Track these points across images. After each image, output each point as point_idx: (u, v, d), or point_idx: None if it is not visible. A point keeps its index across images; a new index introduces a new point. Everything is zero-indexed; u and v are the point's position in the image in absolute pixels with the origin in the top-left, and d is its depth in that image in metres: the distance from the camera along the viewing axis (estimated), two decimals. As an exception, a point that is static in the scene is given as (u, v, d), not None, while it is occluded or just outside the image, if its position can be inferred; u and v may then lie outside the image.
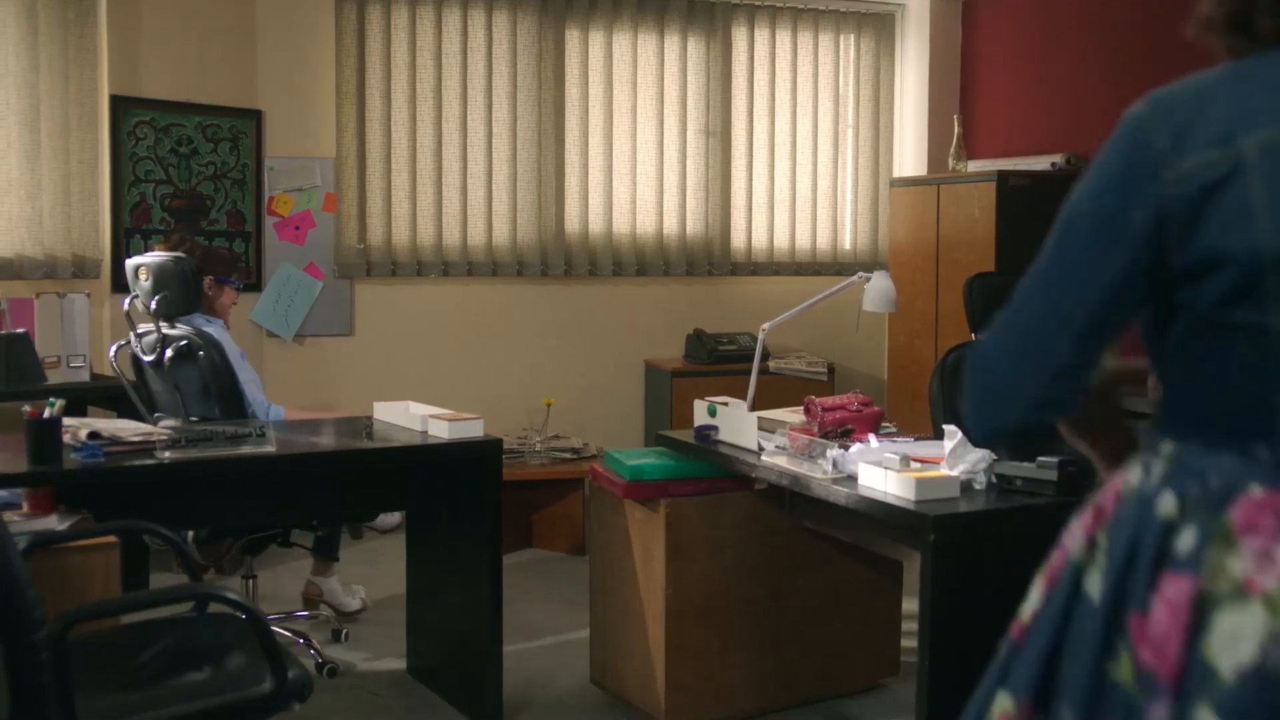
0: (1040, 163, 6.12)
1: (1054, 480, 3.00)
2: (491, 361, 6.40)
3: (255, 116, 5.89)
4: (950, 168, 6.45)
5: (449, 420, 3.76)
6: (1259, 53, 1.36)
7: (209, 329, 4.21)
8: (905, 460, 3.09)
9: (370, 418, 4.07)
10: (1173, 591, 1.29)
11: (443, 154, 6.23)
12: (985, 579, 2.90)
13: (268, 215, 5.97)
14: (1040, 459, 3.10)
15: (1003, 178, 5.98)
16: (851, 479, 3.17)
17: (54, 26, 5.38)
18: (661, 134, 6.65)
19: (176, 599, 3.03)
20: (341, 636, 4.46)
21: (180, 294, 4.18)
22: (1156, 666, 1.30)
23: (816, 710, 3.90)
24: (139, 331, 4.26)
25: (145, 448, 3.42)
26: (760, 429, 3.63)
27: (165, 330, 4.16)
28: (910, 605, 3.47)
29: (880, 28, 7.09)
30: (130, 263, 4.26)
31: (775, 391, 5.66)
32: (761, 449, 3.55)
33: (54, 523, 3.01)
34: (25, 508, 3.16)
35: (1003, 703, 1.46)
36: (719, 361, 6.41)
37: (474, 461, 3.77)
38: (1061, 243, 1.42)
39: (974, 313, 4.24)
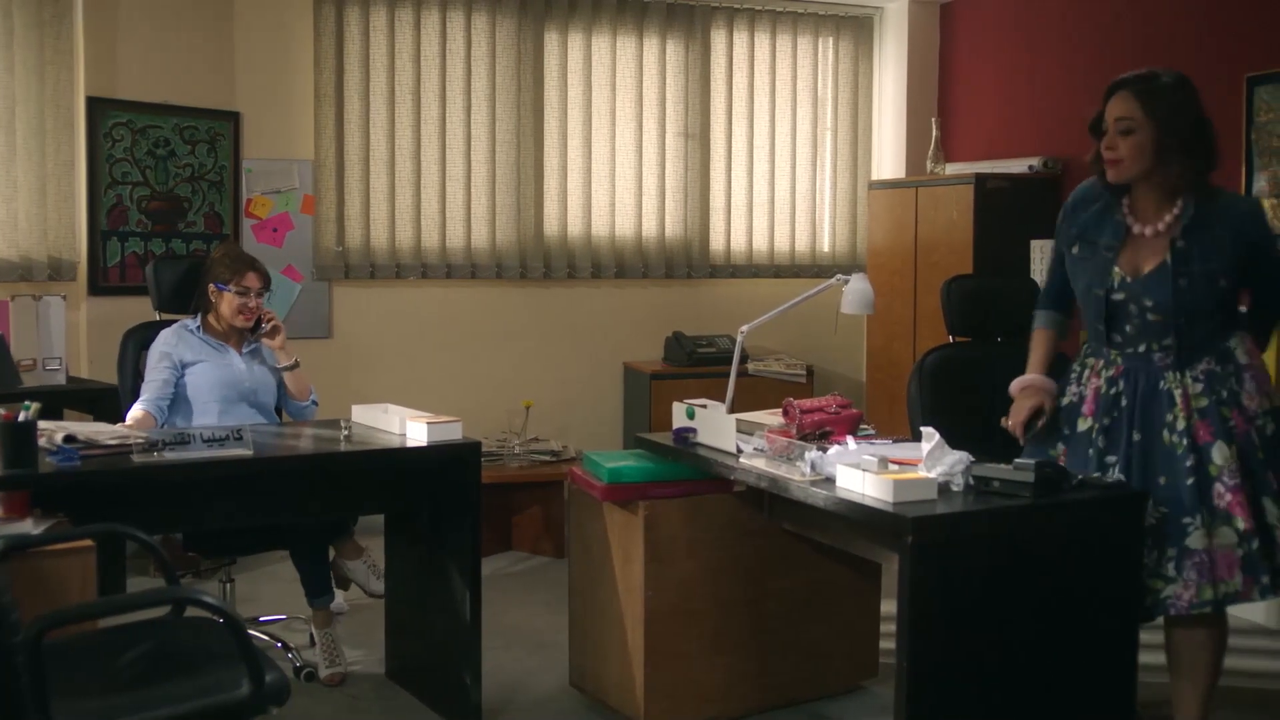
0: (1018, 165, 6.15)
1: (1030, 482, 3.01)
2: (470, 364, 6.39)
3: (233, 118, 5.87)
4: (928, 170, 6.47)
5: (427, 423, 3.75)
6: None
7: (163, 331, 4.30)
8: (883, 462, 3.10)
9: (349, 420, 4.06)
10: None
11: (421, 156, 6.22)
12: (963, 580, 2.92)
13: (245, 217, 5.95)
14: (1017, 460, 3.11)
15: (980, 180, 6.01)
16: (830, 481, 3.18)
17: (29, 28, 5.35)
18: (640, 136, 6.66)
19: (153, 603, 3.02)
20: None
21: (171, 292, 4.38)
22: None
23: (796, 712, 3.90)
24: None
25: (121, 451, 3.41)
26: (739, 431, 3.63)
27: None
28: (889, 606, 3.48)
29: (859, 31, 7.12)
30: None
31: (754, 393, 5.68)
32: (740, 451, 3.56)
33: (29, 526, 2.99)
34: (0, 511, 3.14)
35: None
36: (698, 364, 6.42)
37: (453, 464, 3.77)
38: None
39: (952, 315, 4.25)
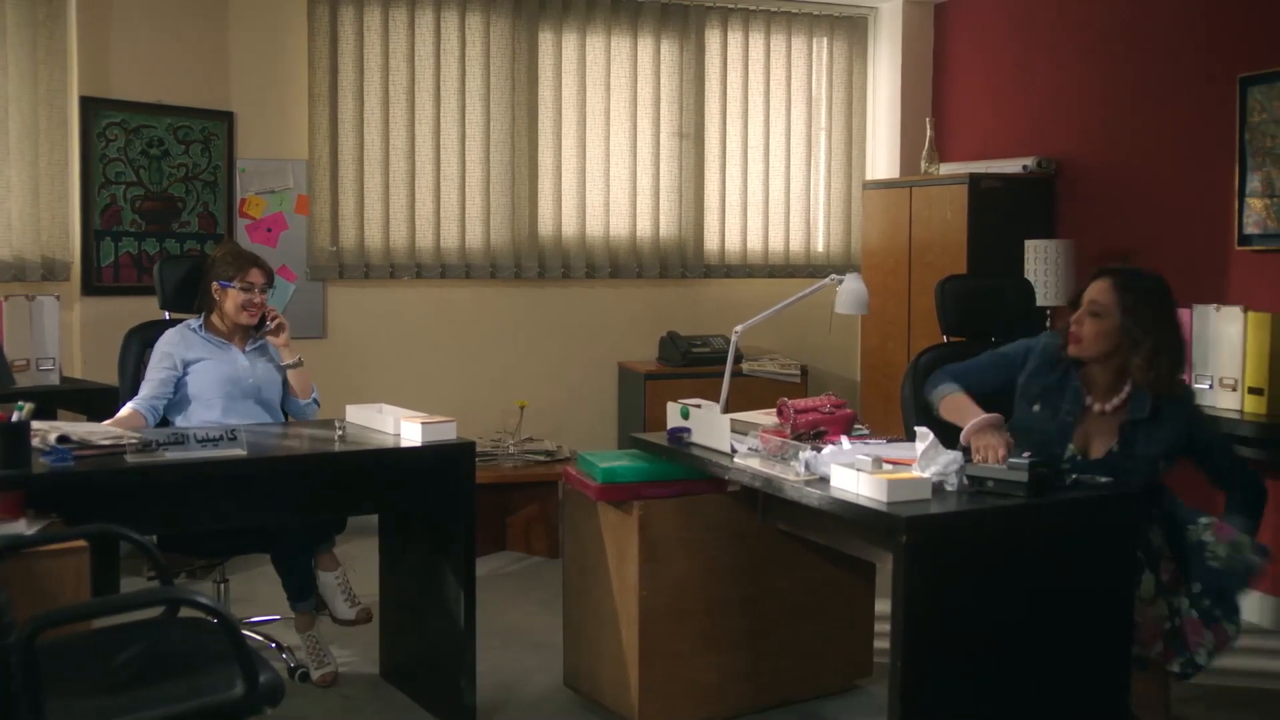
0: (1012, 165, 6.16)
1: (1025, 482, 3.02)
2: (465, 364, 6.39)
3: (227, 118, 5.87)
4: (922, 170, 6.47)
5: (422, 423, 3.75)
6: None
7: (166, 331, 4.30)
8: (877, 462, 3.10)
9: (343, 420, 4.06)
10: None
11: (416, 156, 6.22)
12: (957, 580, 2.92)
13: (239, 217, 5.94)
14: (1011, 461, 3.12)
15: (974, 180, 6.01)
16: (824, 481, 3.18)
17: (22, 27, 5.34)
18: (635, 136, 6.65)
19: (147, 603, 3.02)
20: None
21: (174, 293, 4.39)
22: None
23: (791, 712, 3.91)
24: None
25: (115, 451, 3.41)
26: (733, 431, 3.63)
27: None
28: (883, 606, 3.47)
29: (853, 31, 7.12)
30: None
31: (748, 393, 5.68)
32: (734, 451, 3.56)
33: (23, 527, 2.99)
34: (-7, 512, 3.13)
35: None
36: (692, 364, 6.42)
37: (447, 464, 3.77)
38: None
39: (946, 315, 4.26)
